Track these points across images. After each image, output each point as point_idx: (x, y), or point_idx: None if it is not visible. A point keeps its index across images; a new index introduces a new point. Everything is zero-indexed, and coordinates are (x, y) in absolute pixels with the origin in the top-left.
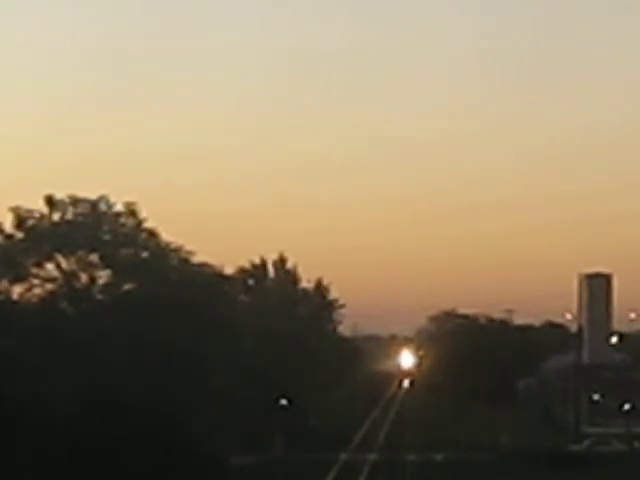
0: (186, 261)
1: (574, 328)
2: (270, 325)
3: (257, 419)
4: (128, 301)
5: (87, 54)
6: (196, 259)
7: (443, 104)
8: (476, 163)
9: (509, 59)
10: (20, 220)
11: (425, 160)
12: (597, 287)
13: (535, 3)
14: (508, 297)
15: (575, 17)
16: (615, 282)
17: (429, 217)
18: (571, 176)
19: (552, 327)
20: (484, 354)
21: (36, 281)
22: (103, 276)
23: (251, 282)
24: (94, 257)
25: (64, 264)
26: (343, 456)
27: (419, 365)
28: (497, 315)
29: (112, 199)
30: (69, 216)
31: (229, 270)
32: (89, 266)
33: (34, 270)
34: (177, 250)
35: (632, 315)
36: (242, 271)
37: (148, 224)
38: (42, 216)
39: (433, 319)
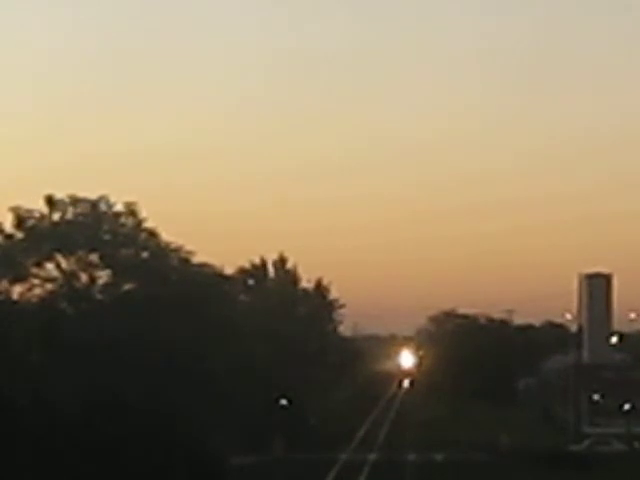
0: (186, 261)
1: (574, 328)
2: (270, 325)
3: (257, 419)
4: (128, 301)
5: (87, 54)
6: (196, 259)
7: (443, 104)
8: (476, 163)
9: (509, 59)
10: (20, 220)
11: (425, 160)
12: (597, 287)
13: (535, 3)
14: (508, 297)
15: (575, 17)
16: (615, 282)
17: (429, 217)
18: (571, 176)
19: (552, 327)
20: (484, 354)
21: (36, 281)
22: (103, 276)
23: (251, 282)
24: (94, 257)
25: (64, 264)
26: (343, 456)
27: (419, 365)
28: (497, 315)
29: (112, 199)
30: (69, 216)
31: (229, 270)
32: (89, 266)
33: (34, 270)
34: (177, 250)
35: (632, 315)
36: (242, 271)
37: (148, 224)
38: (42, 216)
39: (433, 319)
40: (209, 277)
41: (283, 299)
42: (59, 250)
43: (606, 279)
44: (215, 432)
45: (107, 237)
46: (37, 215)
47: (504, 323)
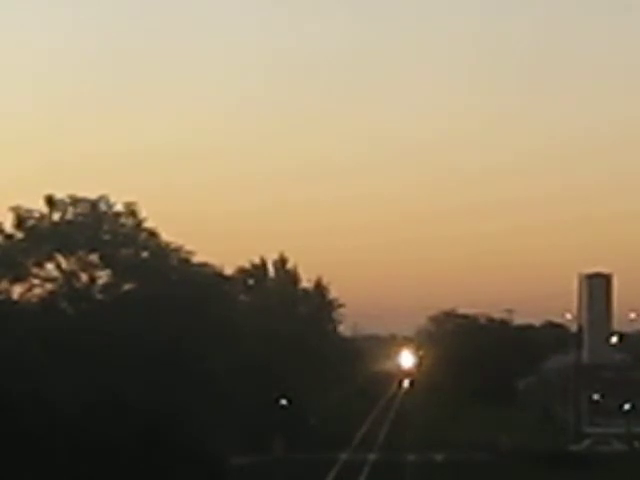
0: (186, 261)
1: (574, 328)
2: (270, 325)
3: (257, 419)
4: (128, 301)
5: (87, 54)
6: (196, 259)
7: (443, 104)
8: (476, 163)
9: (509, 59)
10: (20, 220)
11: (425, 160)
12: (597, 287)
13: (535, 3)
14: (508, 297)
15: (575, 17)
16: (615, 282)
17: (429, 217)
18: (571, 176)
19: (552, 327)
20: (484, 354)
21: (36, 281)
22: (103, 276)
23: (251, 282)
24: (94, 257)
25: (64, 264)
26: (343, 456)
27: (419, 365)
28: (497, 315)
29: (112, 199)
30: (69, 216)
31: (229, 270)
32: (89, 266)
33: (34, 270)
34: (177, 250)
35: (632, 315)
36: (242, 271)
37: (148, 224)
38: (42, 216)
39: (433, 319)
40: (209, 277)
41: (283, 299)
42: (59, 250)
43: (606, 279)
44: (215, 432)
45: (107, 237)
46: (37, 215)
47: (504, 323)
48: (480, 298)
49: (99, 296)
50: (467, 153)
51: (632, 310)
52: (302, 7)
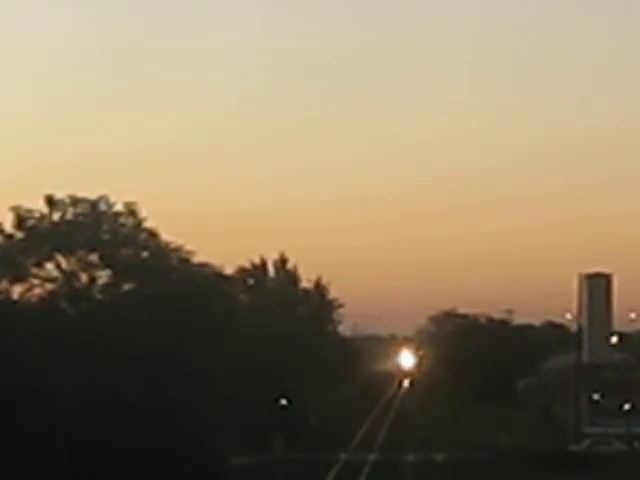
0: (186, 261)
1: (574, 328)
2: (270, 325)
3: (257, 419)
4: (128, 301)
5: (87, 54)
6: (196, 259)
7: (443, 104)
8: (476, 163)
9: (509, 59)
10: (20, 220)
11: (425, 160)
12: (597, 287)
13: (535, 3)
14: (508, 297)
15: (575, 17)
16: (615, 282)
17: (429, 217)
18: (571, 176)
19: (552, 327)
20: (484, 354)
21: (36, 281)
22: (103, 276)
23: (251, 282)
24: (94, 257)
25: (64, 264)
26: (343, 456)
27: (419, 365)
28: (497, 315)
29: (112, 199)
30: (69, 216)
31: (229, 270)
32: (89, 266)
33: (34, 270)
34: (177, 250)
35: (632, 315)
36: (242, 271)
37: (148, 224)
38: (42, 216)
39: (433, 319)
40: (209, 277)
41: (283, 299)
42: (59, 250)
43: (606, 279)
44: (215, 432)
45: (107, 237)
46: (37, 215)
47: (504, 323)
48: (480, 298)
49: (99, 296)
50: (467, 153)
51: (632, 310)
52: (302, 7)
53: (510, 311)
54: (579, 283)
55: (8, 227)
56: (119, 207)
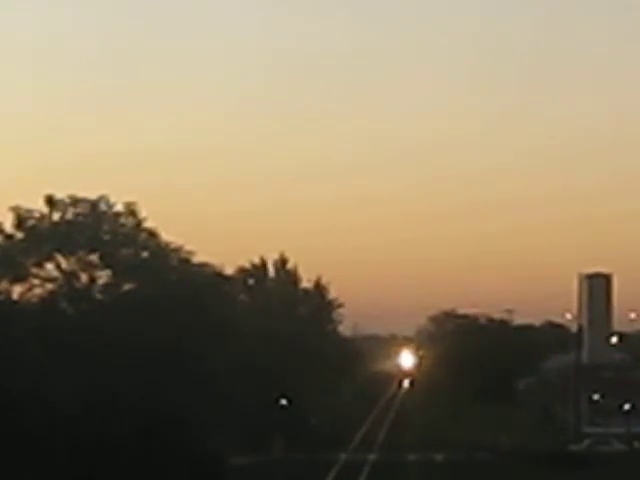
0: (186, 261)
1: (574, 328)
2: (270, 325)
3: (257, 419)
4: (128, 301)
5: (87, 54)
6: (196, 259)
7: (443, 104)
8: (476, 163)
9: (509, 59)
10: (20, 220)
11: (425, 160)
12: (597, 287)
13: (535, 3)
14: (508, 297)
15: (575, 17)
16: (615, 282)
17: (429, 217)
18: (571, 176)
19: (552, 327)
20: (484, 354)
21: (36, 281)
22: (103, 276)
23: (251, 282)
24: (94, 257)
25: (64, 264)
26: (343, 456)
27: (419, 365)
28: (497, 315)
29: (112, 199)
30: (69, 216)
31: (229, 270)
32: (89, 266)
33: (34, 270)
34: (177, 250)
35: (632, 315)
36: (242, 271)
37: (148, 224)
38: (42, 216)
39: (433, 319)
40: (209, 277)
41: (283, 299)
42: (59, 250)
43: (606, 279)
44: (215, 432)
45: (107, 237)
46: (37, 215)
47: (504, 323)
48: (480, 298)
49: (99, 296)
50: (467, 153)
51: (632, 310)
52: (302, 7)
53: (510, 311)
54: (579, 283)
55: (8, 227)
56: (119, 207)
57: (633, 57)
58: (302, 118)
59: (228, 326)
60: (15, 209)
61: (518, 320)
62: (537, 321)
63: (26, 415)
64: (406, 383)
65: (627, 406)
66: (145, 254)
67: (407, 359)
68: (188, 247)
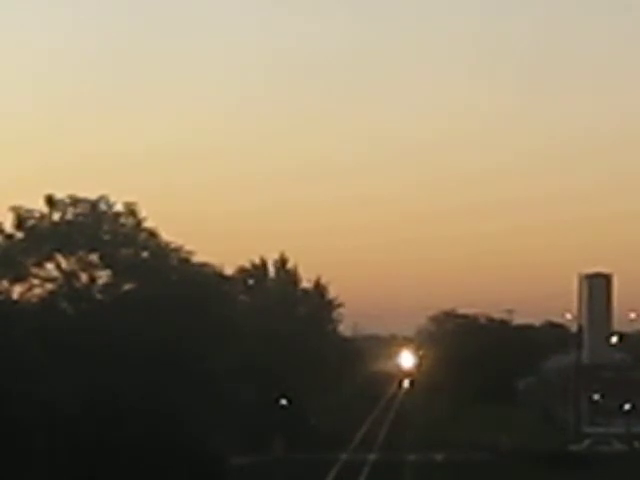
0: (186, 261)
1: (574, 328)
2: (270, 325)
3: (257, 419)
4: (128, 301)
5: (87, 54)
6: (196, 259)
7: (443, 104)
8: (476, 163)
9: (509, 59)
10: (20, 220)
11: (425, 160)
12: (597, 287)
13: (535, 3)
14: (508, 297)
15: (575, 17)
16: (615, 282)
17: (429, 217)
18: (571, 176)
19: (552, 327)
20: (484, 354)
21: (36, 281)
22: (103, 276)
23: (251, 282)
24: (94, 257)
25: (64, 264)
26: (343, 456)
27: (419, 365)
28: (497, 315)
29: (112, 199)
30: (69, 216)
31: (229, 270)
32: (89, 266)
33: (34, 270)
34: (177, 250)
35: (632, 315)
36: (242, 271)
37: (148, 224)
38: (42, 216)
39: (433, 319)
40: (209, 277)
41: (283, 299)
42: (59, 250)
43: (606, 279)
44: (215, 432)
45: (107, 237)
46: (37, 215)
47: (504, 323)
48: (480, 298)
49: (99, 296)
50: (467, 153)
51: (632, 310)
52: (302, 7)
53: (510, 311)
54: (579, 283)
55: (8, 227)
56: (119, 207)
57: (633, 57)
58: (302, 118)
59: (228, 326)
60: (15, 209)
61: (518, 320)
62: (537, 321)
63: (26, 415)
64: (406, 383)
65: (627, 406)
66: (145, 254)
67: (407, 359)
68: (188, 247)
